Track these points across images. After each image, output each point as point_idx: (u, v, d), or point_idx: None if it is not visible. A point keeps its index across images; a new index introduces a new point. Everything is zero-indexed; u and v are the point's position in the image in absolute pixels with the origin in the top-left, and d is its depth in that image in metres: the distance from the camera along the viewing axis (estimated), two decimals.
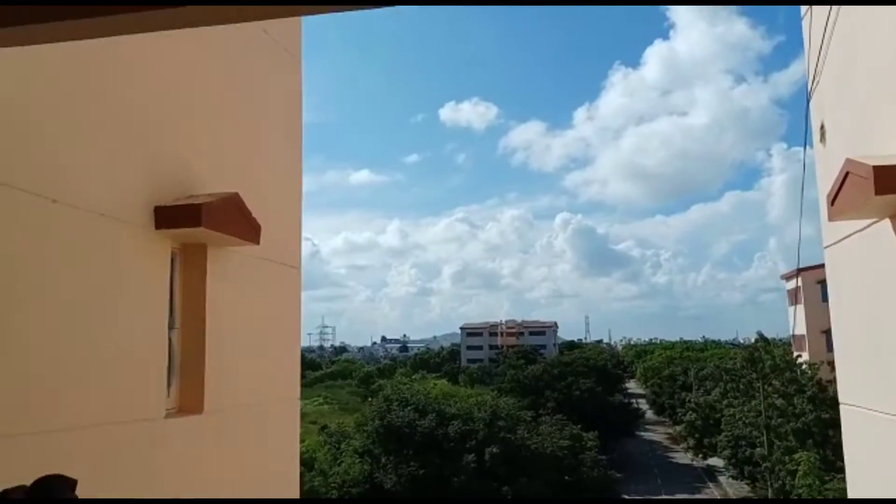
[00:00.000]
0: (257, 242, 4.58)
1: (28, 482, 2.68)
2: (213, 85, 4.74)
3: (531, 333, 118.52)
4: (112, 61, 3.65)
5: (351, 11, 1.35)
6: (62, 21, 1.26)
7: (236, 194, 4.33)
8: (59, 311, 3.24)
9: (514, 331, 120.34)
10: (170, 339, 4.18)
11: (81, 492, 3.20)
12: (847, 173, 3.35)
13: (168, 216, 3.90)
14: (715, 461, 51.45)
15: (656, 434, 72.15)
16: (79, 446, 3.30)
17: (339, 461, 30.31)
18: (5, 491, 0.82)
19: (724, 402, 46.35)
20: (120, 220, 3.65)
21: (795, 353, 41.37)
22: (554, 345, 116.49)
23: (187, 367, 4.30)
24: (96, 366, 3.46)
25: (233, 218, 4.29)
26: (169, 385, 4.15)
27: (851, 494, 4.61)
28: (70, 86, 3.37)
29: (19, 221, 3.03)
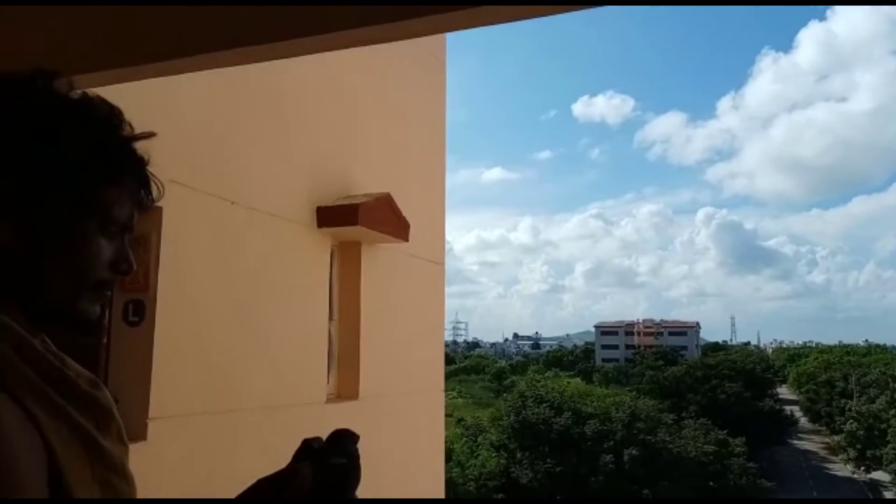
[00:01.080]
0: (406, 239, 4.81)
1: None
2: (366, 92, 5.03)
3: (671, 333, 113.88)
4: (279, 78, 3.99)
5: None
6: (273, 43, 1.44)
7: (388, 194, 4.57)
8: (238, 304, 3.58)
9: (651, 330, 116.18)
10: (329, 331, 4.50)
11: (252, 469, 3.53)
12: None
13: (328, 216, 4.20)
14: (879, 475, 47.07)
15: (811, 443, 67.03)
16: (250, 425, 3.64)
17: (475, 454, 30.78)
18: (307, 440, 0.97)
19: (892, 411, 42.25)
20: (288, 219, 3.98)
21: None
22: (696, 346, 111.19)
23: (344, 356, 4.60)
24: (268, 353, 3.79)
25: (385, 217, 4.54)
26: (329, 373, 4.47)
27: None
28: (245, 102, 3.72)
29: (204, 221, 3.39)
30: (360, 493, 0.96)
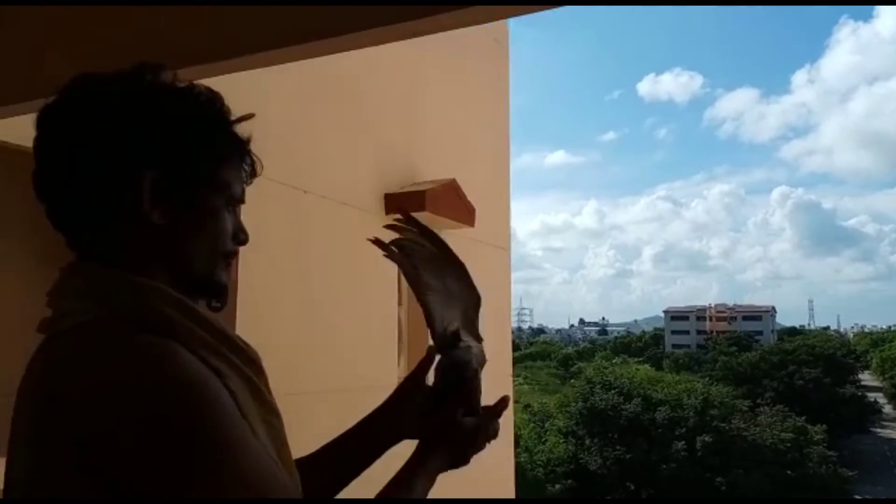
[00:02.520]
0: (472, 225, 4.84)
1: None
2: (431, 79, 5.07)
3: (744, 318, 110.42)
4: (347, 67, 4.07)
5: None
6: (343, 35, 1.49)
7: (454, 180, 4.61)
8: (312, 289, 3.70)
9: (724, 315, 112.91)
10: (399, 316, 4.59)
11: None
12: None
13: (396, 202, 4.27)
14: None
15: None
16: (324, 407, 3.75)
17: (543, 440, 30.72)
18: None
19: None
20: (357, 207, 4.07)
21: None
22: (772, 331, 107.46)
23: (414, 341, 4.68)
24: (341, 338, 3.91)
25: (451, 202, 4.59)
26: (399, 357, 4.56)
27: None
28: (315, 91, 3.82)
29: (278, 209, 3.51)
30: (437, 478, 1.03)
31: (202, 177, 0.88)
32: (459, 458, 1.07)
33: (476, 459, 1.10)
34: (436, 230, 4.39)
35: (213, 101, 0.91)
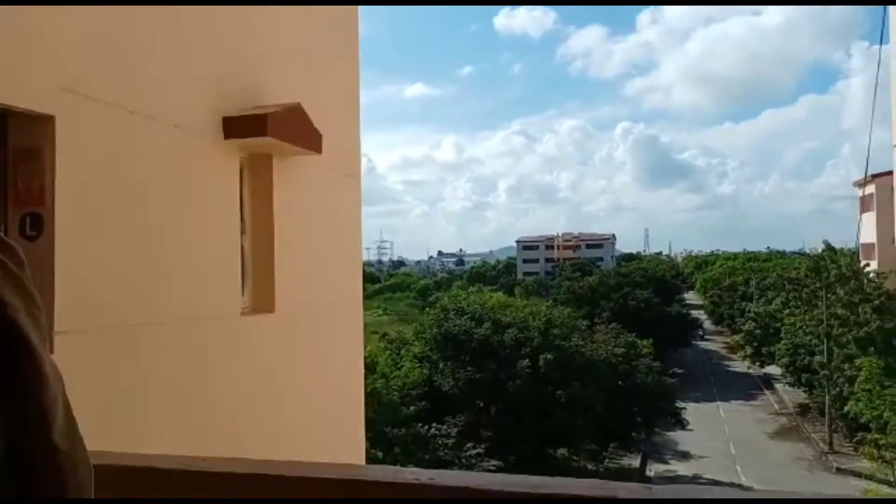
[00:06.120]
0: (319, 151, 4.76)
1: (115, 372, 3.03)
2: None
3: (588, 247, 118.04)
4: None
5: None
6: None
7: (298, 104, 4.49)
8: (145, 216, 3.51)
9: (570, 244, 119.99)
10: (241, 245, 4.48)
11: (169, 381, 3.57)
12: None
13: (236, 126, 4.09)
14: (772, 370, 51.43)
15: (714, 344, 72.15)
16: (163, 339, 3.64)
17: (399, 365, 31.64)
18: None
19: (786, 311, 45.80)
20: (192, 130, 3.86)
21: (863, 262, 40.17)
22: (612, 257, 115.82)
23: (258, 269, 4.60)
24: (178, 267, 3.76)
25: (296, 128, 4.47)
26: (243, 287, 4.48)
27: None
28: (144, 7, 3.52)
29: (102, 131, 3.26)
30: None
31: None
32: None
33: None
34: (281, 157, 4.27)
35: None
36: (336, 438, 5.57)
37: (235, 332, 4.25)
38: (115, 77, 3.32)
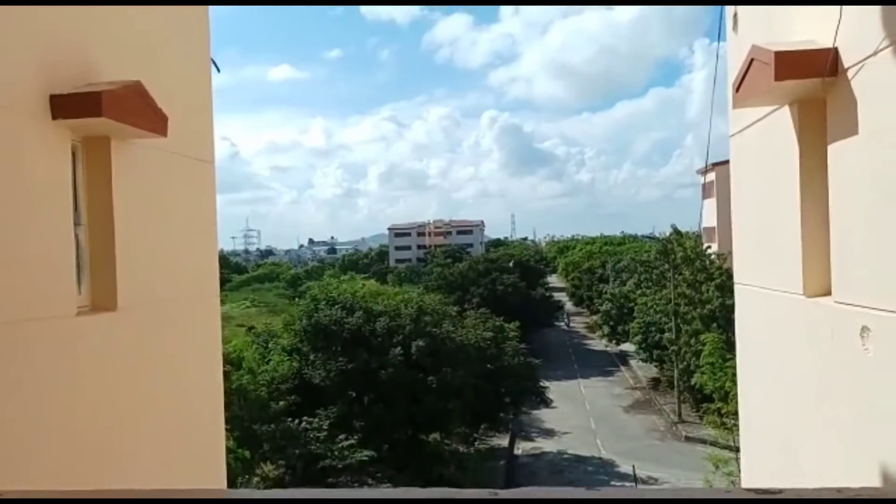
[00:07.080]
0: (165, 134, 4.38)
1: None
2: None
3: (458, 233, 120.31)
4: None
5: None
6: None
7: (139, 82, 4.09)
8: None
9: (441, 231, 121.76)
10: (77, 237, 4.03)
11: None
12: (752, 60, 3.44)
13: (65, 105, 3.65)
14: (627, 347, 54.98)
15: (575, 324, 76.05)
16: None
17: (267, 360, 30.65)
18: None
19: (638, 291, 49.02)
20: (12, 109, 3.40)
21: (706, 245, 43.69)
22: (481, 243, 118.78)
23: (97, 263, 4.17)
24: (1, 263, 3.31)
25: (137, 108, 4.07)
26: (79, 283, 4.04)
27: (740, 361, 5.07)
28: None
29: None
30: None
31: None
32: None
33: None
34: (121, 141, 3.86)
35: None
36: (192, 448, 5.21)
37: (70, 333, 3.82)
38: None
